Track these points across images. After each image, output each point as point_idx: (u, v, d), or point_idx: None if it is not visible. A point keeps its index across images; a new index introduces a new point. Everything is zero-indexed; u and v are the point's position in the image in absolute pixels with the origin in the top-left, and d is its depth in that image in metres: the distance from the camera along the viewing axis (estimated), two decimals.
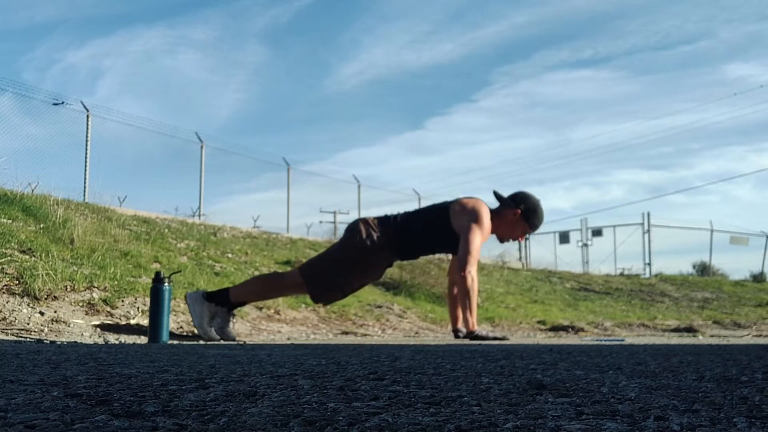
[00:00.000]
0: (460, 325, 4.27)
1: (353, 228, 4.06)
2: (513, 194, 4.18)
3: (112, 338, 3.44)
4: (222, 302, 3.85)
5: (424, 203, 17.72)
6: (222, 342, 3.56)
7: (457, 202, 4.09)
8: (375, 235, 3.98)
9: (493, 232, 4.14)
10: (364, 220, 4.10)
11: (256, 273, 6.56)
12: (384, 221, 4.08)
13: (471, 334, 3.98)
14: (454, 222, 4.02)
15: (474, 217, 3.99)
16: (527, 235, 4.24)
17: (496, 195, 4.20)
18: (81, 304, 3.94)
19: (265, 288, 4.06)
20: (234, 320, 4.00)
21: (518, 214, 4.11)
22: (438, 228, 4.06)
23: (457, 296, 4.19)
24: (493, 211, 4.13)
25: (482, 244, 4.07)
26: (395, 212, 4.17)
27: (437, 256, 10.36)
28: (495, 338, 4.01)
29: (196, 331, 3.88)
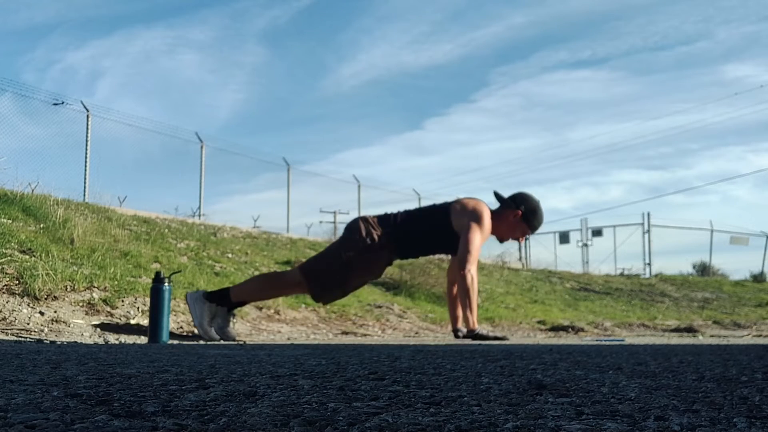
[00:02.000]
0: (461, 324, 4.27)
1: (353, 226, 4.06)
2: (513, 195, 4.19)
3: (112, 338, 3.44)
4: (222, 302, 3.85)
5: (424, 203, 17.72)
6: (222, 342, 3.56)
7: (458, 202, 4.10)
8: (375, 234, 3.98)
9: (493, 232, 4.15)
10: (364, 219, 4.10)
11: (256, 273, 6.56)
12: (384, 220, 4.08)
13: (471, 334, 3.98)
14: (454, 222, 4.02)
15: (474, 217, 4.00)
16: (527, 236, 4.24)
17: (497, 195, 4.21)
18: (81, 304, 3.94)
19: (265, 287, 4.06)
20: (234, 320, 4.00)
21: (518, 215, 4.12)
22: (438, 228, 4.06)
23: (457, 296, 4.19)
24: (493, 212, 4.13)
25: (482, 244, 4.07)
26: (395, 211, 4.17)
27: (437, 256, 10.38)
28: (495, 338, 4.01)
29: (196, 331, 3.88)
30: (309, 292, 4.00)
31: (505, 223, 4.14)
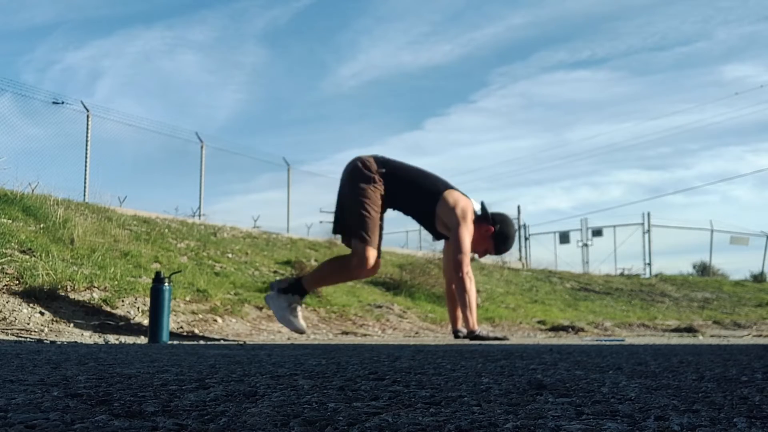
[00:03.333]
0: (460, 325, 4.28)
1: (353, 168, 4.12)
2: (496, 213, 4.28)
3: (112, 338, 3.44)
4: (296, 291, 3.99)
5: None
6: (222, 342, 3.56)
7: (451, 195, 4.13)
8: (371, 173, 4.07)
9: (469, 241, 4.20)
10: (360, 159, 4.16)
11: (257, 273, 6.56)
12: (381, 161, 4.15)
13: (471, 334, 3.99)
14: (439, 209, 4.09)
15: (463, 217, 4.06)
16: (487, 254, 4.30)
17: (482, 207, 4.28)
18: (81, 304, 3.94)
19: (333, 269, 4.11)
20: (301, 309, 4.11)
21: (490, 231, 4.21)
22: (423, 207, 4.15)
23: (456, 297, 4.20)
24: (476, 224, 4.19)
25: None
26: (394, 158, 4.24)
27: (437, 255, 10.38)
28: (495, 338, 4.02)
29: (280, 326, 3.99)
30: (366, 245, 3.99)
31: (476, 234, 4.19)
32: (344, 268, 4.07)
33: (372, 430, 0.81)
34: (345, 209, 4.14)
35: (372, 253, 3.98)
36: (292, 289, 4.01)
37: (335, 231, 4.31)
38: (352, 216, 4.05)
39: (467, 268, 4.00)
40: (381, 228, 4.16)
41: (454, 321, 4.38)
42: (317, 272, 4.15)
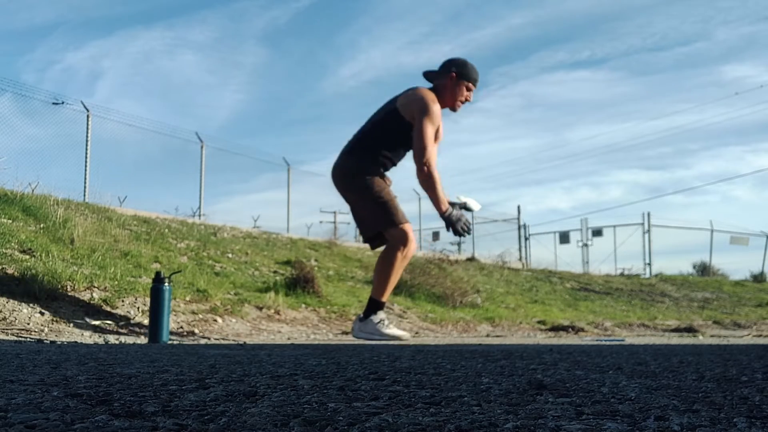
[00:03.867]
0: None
1: (341, 175, 4.13)
2: (441, 65, 4.24)
3: (112, 338, 3.44)
4: (377, 307, 4.01)
5: (424, 204, 17.75)
6: (223, 342, 3.56)
7: (402, 96, 4.10)
8: (364, 163, 4.05)
9: (443, 107, 4.16)
10: (337, 165, 4.17)
11: (256, 273, 6.56)
12: (351, 147, 4.15)
13: (443, 216, 4.00)
14: (406, 115, 4.03)
15: (420, 106, 4.00)
16: (461, 102, 4.23)
17: (426, 74, 4.24)
18: (81, 304, 3.94)
19: (386, 267, 4.04)
20: (388, 320, 4.15)
21: (454, 77, 4.17)
22: (397, 129, 4.08)
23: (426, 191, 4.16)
24: (434, 90, 4.15)
25: (434, 130, 4.05)
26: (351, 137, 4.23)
27: (437, 256, 10.37)
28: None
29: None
30: (397, 227, 3.99)
31: (448, 92, 4.16)
32: (394, 258, 4.01)
33: (372, 430, 0.81)
34: (358, 211, 4.15)
35: (408, 227, 4.01)
36: (370, 311, 4.01)
37: (366, 239, 4.29)
38: (368, 211, 4.05)
39: (428, 157, 3.94)
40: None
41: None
42: (376, 279, 4.09)
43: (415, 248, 4.12)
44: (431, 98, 4.04)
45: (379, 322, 3.96)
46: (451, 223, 4.00)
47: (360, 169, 4.06)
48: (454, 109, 4.23)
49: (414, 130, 3.98)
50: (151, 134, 12.38)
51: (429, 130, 3.98)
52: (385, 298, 4.05)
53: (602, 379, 1.36)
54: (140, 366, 1.62)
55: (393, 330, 4.00)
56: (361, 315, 4.06)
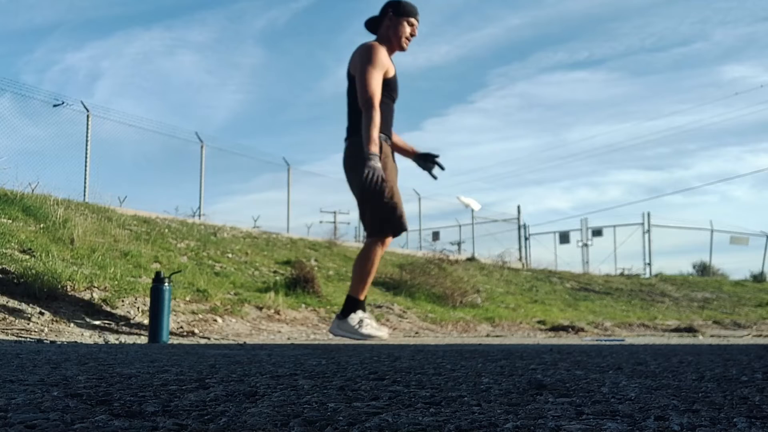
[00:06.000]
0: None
1: (346, 162, 4.09)
2: (379, 11, 4.24)
3: (112, 338, 3.44)
4: (356, 306, 3.95)
5: (424, 203, 17.75)
6: (223, 342, 3.56)
7: (350, 61, 4.11)
8: (356, 148, 3.98)
9: (392, 51, 4.17)
10: (345, 148, 4.14)
11: (256, 273, 6.56)
12: (347, 131, 4.12)
13: (365, 155, 3.84)
14: (355, 73, 4.03)
15: (360, 56, 4.01)
16: (416, 26, 4.23)
17: (368, 24, 4.25)
18: (81, 304, 3.94)
19: (361, 265, 4.03)
20: (369, 316, 4.09)
21: (393, 17, 4.18)
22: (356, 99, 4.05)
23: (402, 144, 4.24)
24: (379, 37, 4.17)
25: (380, 75, 4.01)
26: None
27: (437, 256, 10.38)
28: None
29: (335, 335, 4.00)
30: (382, 235, 4.00)
31: (391, 32, 4.16)
32: (373, 255, 4.01)
33: (372, 430, 0.81)
34: (359, 208, 4.11)
35: (390, 240, 4.09)
36: (348, 309, 3.96)
37: (395, 233, 4.20)
38: (365, 214, 4.06)
39: (370, 95, 3.90)
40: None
41: (407, 151, 4.50)
42: (353, 277, 4.08)
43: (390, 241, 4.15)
44: (368, 46, 4.06)
45: (358, 322, 3.91)
46: (368, 167, 3.81)
47: (358, 158, 3.91)
48: (402, 48, 4.23)
49: (357, 80, 3.98)
50: (151, 134, 12.39)
51: (369, 73, 3.96)
52: (362, 296, 4.02)
53: (602, 379, 1.36)
54: (140, 366, 1.62)
55: (370, 330, 3.93)
56: (340, 313, 4.02)
